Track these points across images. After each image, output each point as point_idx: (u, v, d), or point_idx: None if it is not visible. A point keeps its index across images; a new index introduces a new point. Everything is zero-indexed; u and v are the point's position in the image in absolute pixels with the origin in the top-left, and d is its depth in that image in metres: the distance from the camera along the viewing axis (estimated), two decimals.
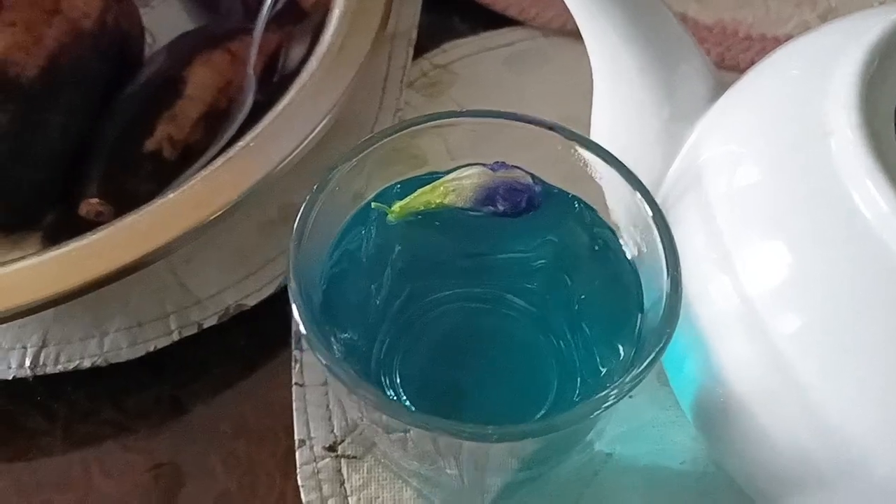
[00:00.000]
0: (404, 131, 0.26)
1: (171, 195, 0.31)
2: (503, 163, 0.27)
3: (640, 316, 0.25)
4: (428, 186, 0.27)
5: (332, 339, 0.25)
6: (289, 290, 0.24)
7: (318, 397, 0.32)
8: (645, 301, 0.25)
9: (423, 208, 0.27)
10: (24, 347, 0.33)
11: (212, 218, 0.31)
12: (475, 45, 0.44)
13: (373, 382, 0.25)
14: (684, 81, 0.28)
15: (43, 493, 0.32)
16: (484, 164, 0.27)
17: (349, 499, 0.30)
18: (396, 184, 0.28)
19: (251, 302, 0.35)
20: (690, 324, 0.25)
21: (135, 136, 0.35)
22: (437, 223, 0.28)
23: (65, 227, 0.34)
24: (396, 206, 0.27)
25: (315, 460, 0.31)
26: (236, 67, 0.38)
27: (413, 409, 0.24)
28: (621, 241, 0.27)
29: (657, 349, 0.23)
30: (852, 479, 0.22)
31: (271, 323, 0.35)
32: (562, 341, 0.28)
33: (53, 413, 0.33)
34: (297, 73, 0.37)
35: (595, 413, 0.23)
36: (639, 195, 0.25)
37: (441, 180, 0.27)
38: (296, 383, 0.33)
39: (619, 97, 0.29)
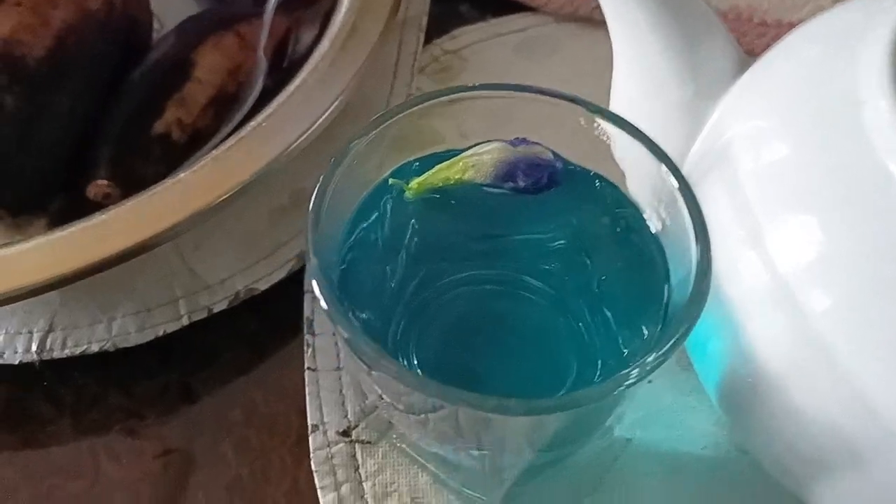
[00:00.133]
0: (422, 105, 0.26)
1: (182, 175, 0.31)
2: (524, 139, 0.27)
3: (666, 294, 0.25)
4: (447, 162, 0.27)
5: (351, 317, 0.24)
6: (307, 267, 0.23)
7: (332, 382, 0.32)
8: (672, 278, 0.25)
9: (441, 185, 0.27)
10: (31, 332, 0.33)
11: (223, 199, 0.30)
12: (486, 31, 0.44)
13: None
14: (708, 58, 0.27)
15: (50, 480, 0.31)
16: (504, 140, 0.27)
17: (364, 484, 0.29)
18: (414, 161, 0.27)
19: (262, 286, 0.34)
20: (717, 303, 0.24)
21: (143, 118, 0.35)
22: (455, 202, 0.27)
23: (71, 212, 0.33)
24: (414, 183, 0.27)
25: (329, 445, 0.30)
26: (246, 51, 0.38)
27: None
28: (645, 216, 0.26)
29: (686, 326, 0.22)
30: (888, 456, 0.22)
31: (282, 308, 0.34)
32: (581, 323, 0.27)
33: (61, 399, 0.33)
34: (306, 59, 0.36)
35: (619, 389, 0.22)
36: (664, 167, 0.24)
37: (460, 156, 0.27)
38: (308, 368, 0.32)
39: (640, 76, 0.28)
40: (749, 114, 0.26)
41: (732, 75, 0.28)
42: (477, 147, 0.27)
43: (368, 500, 0.29)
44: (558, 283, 0.28)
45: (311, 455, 0.30)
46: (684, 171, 0.27)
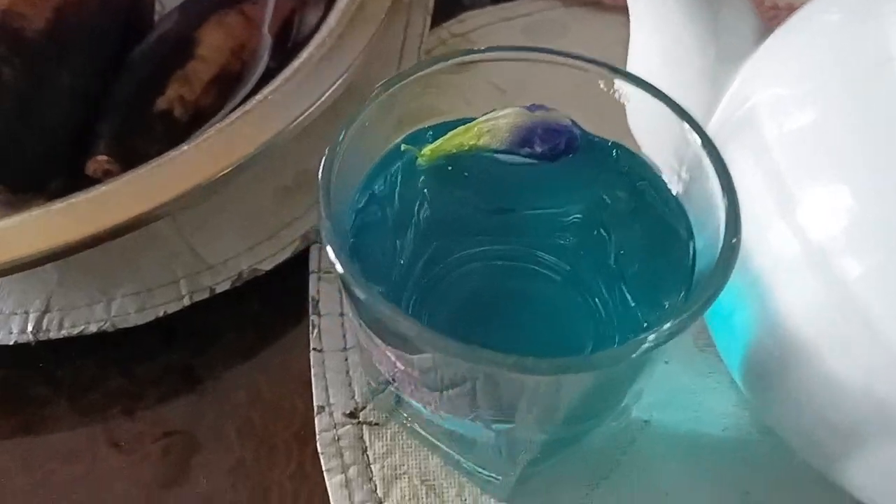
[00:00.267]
0: (436, 66, 0.25)
1: (185, 147, 0.30)
2: (541, 105, 0.26)
3: (690, 260, 0.24)
4: (461, 128, 0.26)
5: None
6: (321, 230, 0.22)
7: (338, 363, 0.31)
8: (697, 243, 0.24)
9: (455, 151, 0.26)
10: (27, 313, 0.32)
11: (227, 172, 0.30)
12: (493, 14, 0.43)
13: None
14: (729, 23, 0.27)
15: (47, 465, 0.30)
16: (521, 106, 0.26)
17: (372, 467, 0.28)
18: (428, 129, 0.26)
19: (266, 267, 0.33)
20: (743, 273, 0.23)
21: (145, 94, 0.34)
22: (468, 173, 0.26)
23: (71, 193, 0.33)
24: (427, 149, 0.26)
25: (335, 427, 0.29)
26: (250, 30, 0.37)
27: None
28: (666, 181, 0.25)
29: (715, 287, 0.21)
30: None
31: (287, 290, 0.34)
32: (598, 299, 0.26)
33: (58, 381, 0.32)
34: (311, 39, 0.35)
35: (640, 350, 0.21)
36: (686, 125, 0.23)
37: (475, 122, 0.26)
38: (314, 349, 0.31)
39: (660, 43, 0.28)
40: (774, 79, 0.26)
41: (754, 41, 0.27)
42: (492, 113, 0.26)
43: (377, 482, 0.28)
44: (575, 258, 0.27)
45: (317, 437, 0.29)
46: None
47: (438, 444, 0.27)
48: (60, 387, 0.32)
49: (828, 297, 0.22)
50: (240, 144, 0.30)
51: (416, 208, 0.26)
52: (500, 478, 0.27)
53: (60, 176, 0.33)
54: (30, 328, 0.32)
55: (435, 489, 0.28)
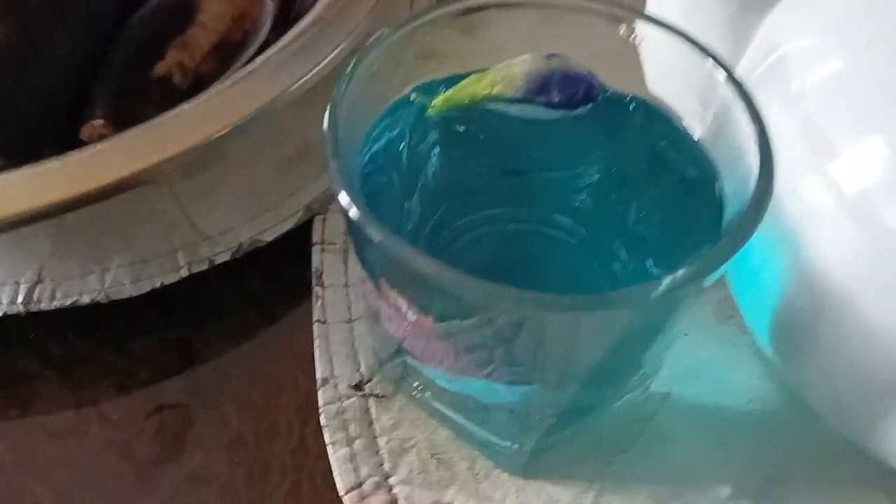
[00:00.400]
0: (447, 8, 0.24)
1: (184, 106, 0.28)
2: (557, 54, 0.25)
3: (717, 213, 0.23)
4: (474, 76, 0.24)
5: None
6: (330, 173, 0.21)
7: (343, 335, 0.29)
8: (725, 189, 0.22)
9: (468, 101, 0.24)
10: (17, 283, 0.31)
11: (226, 131, 0.28)
12: None
13: None
14: None
15: (35, 442, 0.29)
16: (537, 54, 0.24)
17: (378, 440, 0.27)
18: (440, 81, 0.25)
19: (267, 238, 0.32)
20: (773, 227, 0.22)
21: (144, 59, 0.32)
22: (480, 132, 0.25)
23: None
24: (439, 99, 0.24)
25: (340, 399, 0.28)
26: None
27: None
28: (689, 129, 0.24)
29: (748, 226, 0.20)
30: None
31: (288, 263, 0.32)
32: (616, 263, 0.25)
33: (49, 355, 0.30)
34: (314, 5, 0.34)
35: (666, 288, 0.19)
36: (711, 61, 0.22)
37: (489, 70, 0.24)
38: (317, 320, 0.29)
39: None
40: (803, 29, 0.24)
41: None
42: (507, 60, 0.24)
43: (384, 455, 0.26)
44: (592, 221, 0.25)
45: (321, 409, 0.28)
46: None
47: (449, 413, 0.26)
48: (50, 361, 0.30)
49: (867, 245, 0.21)
50: (239, 106, 0.29)
51: (426, 167, 0.25)
52: (515, 446, 0.25)
53: (56, 144, 0.32)
54: (20, 299, 0.30)
55: (445, 462, 0.26)
